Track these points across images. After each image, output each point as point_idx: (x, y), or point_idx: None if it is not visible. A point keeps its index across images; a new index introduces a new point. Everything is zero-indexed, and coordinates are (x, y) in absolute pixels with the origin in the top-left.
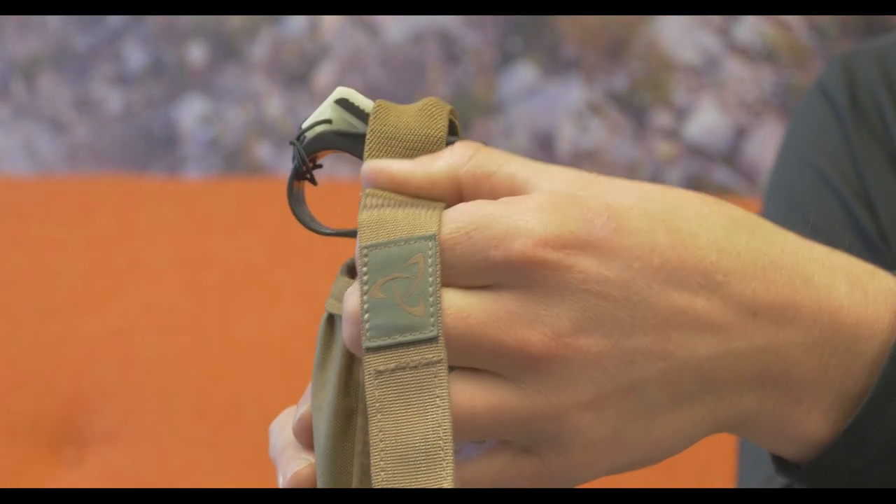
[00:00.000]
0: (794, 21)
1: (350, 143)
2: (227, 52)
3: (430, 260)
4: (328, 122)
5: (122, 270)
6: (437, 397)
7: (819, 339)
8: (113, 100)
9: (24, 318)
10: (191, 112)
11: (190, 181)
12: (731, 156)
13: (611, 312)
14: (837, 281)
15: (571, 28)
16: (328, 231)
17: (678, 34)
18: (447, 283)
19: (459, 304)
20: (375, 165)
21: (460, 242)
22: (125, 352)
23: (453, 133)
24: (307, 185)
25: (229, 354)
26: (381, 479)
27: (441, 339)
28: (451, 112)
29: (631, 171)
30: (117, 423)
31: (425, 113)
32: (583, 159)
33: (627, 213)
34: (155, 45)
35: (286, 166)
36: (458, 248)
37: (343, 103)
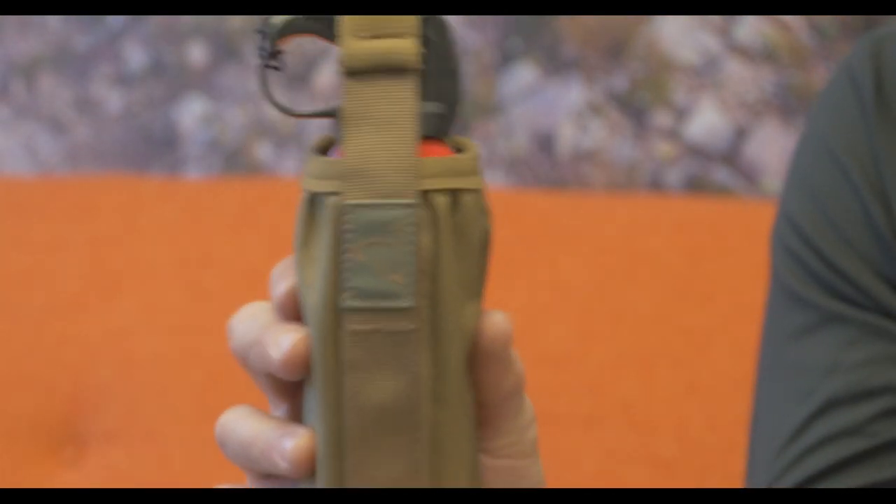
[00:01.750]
0: (794, 21)
1: (319, 26)
2: (227, 52)
3: (408, 229)
4: None
5: (123, 270)
6: (411, 364)
7: None
8: (113, 100)
9: (25, 318)
10: (191, 112)
11: (190, 181)
12: (731, 156)
13: None
14: None
15: (571, 28)
16: (304, 112)
17: (678, 34)
18: None
19: None
20: None
21: None
22: (125, 352)
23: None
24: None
25: (229, 354)
26: (354, 435)
27: (418, 310)
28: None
29: (631, 172)
30: (117, 423)
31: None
32: (582, 159)
33: None
34: (155, 45)
35: (287, 166)
36: None
37: None
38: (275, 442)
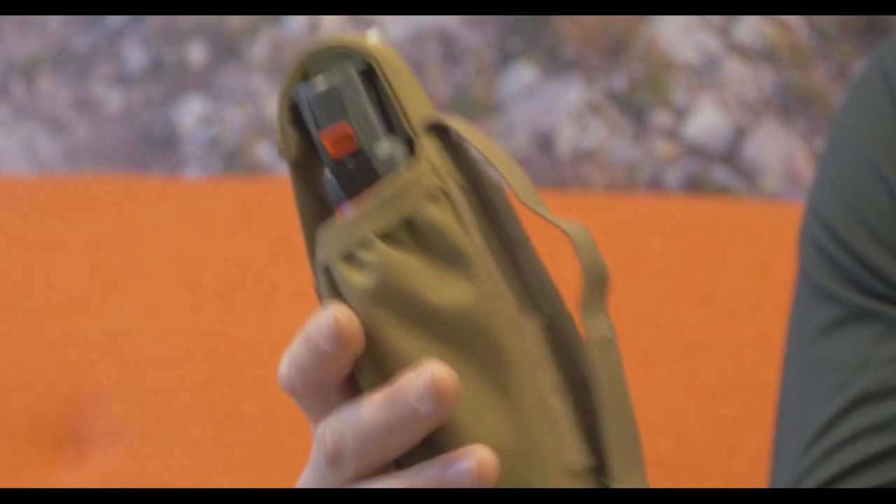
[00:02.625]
0: (795, 21)
1: None
2: (227, 52)
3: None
4: None
5: (123, 270)
6: None
7: None
8: (113, 100)
9: (24, 318)
10: (191, 112)
11: (190, 181)
12: (730, 156)
13: None
14: None
15: (571, 28)
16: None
17: (678, 34)
18: None
19: None
20: None
21: None
22: (125, 352)
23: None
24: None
25: (229, 354)
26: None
27: None
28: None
29: (631, 171)
30: (117, 423)
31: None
32: (582, 159)
33: None
34: (155, 45)
35: (286, 166)
36: None
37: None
38: (410, 388)
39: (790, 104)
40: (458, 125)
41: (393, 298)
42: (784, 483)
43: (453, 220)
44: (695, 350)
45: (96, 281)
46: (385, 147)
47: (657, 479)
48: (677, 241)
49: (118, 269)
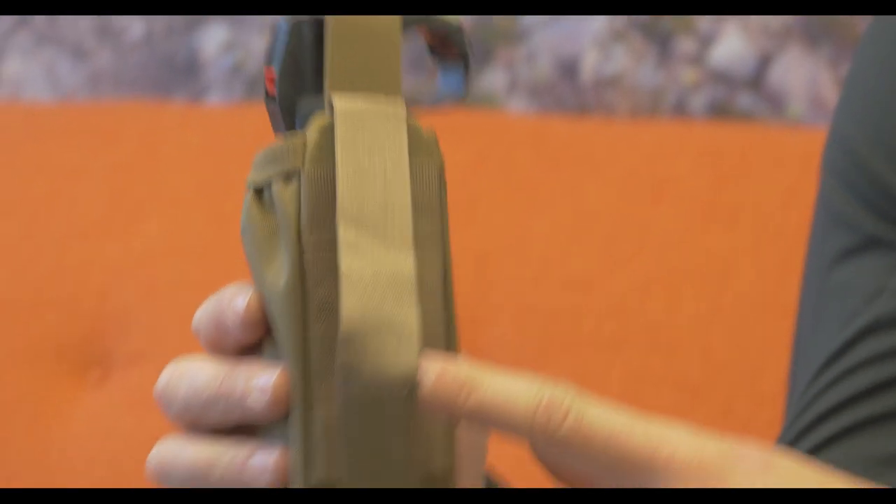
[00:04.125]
0: None
1: None
2: None
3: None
4: None
5: (145, 196)
6: None
7: None
8: (135, 26)
9: (48, 243)
10: (213, 39)
11: (212, 107)
12: (755, 82)
13: None
14: None
15: None
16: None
17: None
18: None
19: None
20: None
21: None
22: (148, 275)
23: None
24: None
25: (248, 277)
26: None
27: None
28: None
29: (655, 97)
30: (142, 345)
31: None
32: (606, 86)
33: None
34: None
35: None
36: None
37: None
38: (248, 381)
39: (815, 30)
40: (346, 116)
41: (246, 247)
42: (796, 408)
43: (294, 205)
44: (720, 274)
45: (119, 206)
46: (302, 105)
47: (684, 403)
48: (702, 167)
49: (140, 194)
